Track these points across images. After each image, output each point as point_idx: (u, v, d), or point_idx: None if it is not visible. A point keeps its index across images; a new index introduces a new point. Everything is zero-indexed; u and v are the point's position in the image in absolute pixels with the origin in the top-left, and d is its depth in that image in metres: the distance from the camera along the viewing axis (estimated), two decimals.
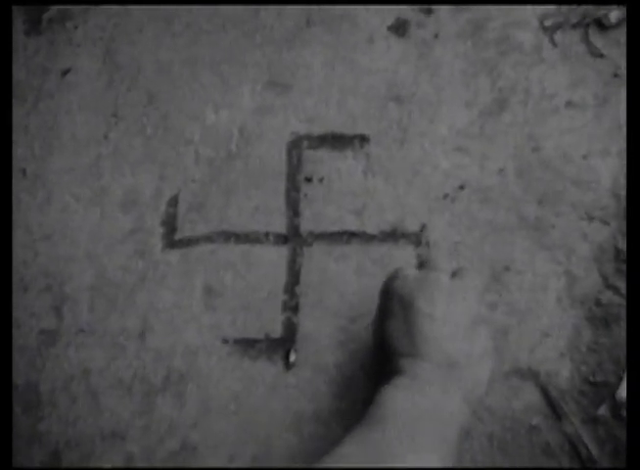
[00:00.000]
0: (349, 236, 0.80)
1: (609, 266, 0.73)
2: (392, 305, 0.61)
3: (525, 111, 0.79)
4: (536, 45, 0.80)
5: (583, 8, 0.80)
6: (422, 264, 0.66)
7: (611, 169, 0.75)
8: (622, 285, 0.72)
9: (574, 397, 0.70)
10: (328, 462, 0.48)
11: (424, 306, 0.58)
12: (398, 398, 0.54)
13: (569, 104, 0.78)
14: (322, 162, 0.83)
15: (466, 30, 0.82)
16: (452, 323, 0.58)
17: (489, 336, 0.62)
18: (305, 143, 0.84)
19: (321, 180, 0.82)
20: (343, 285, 0.79)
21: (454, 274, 0.64)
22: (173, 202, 0.86)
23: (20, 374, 0.85)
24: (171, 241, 0.85)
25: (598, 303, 0.72)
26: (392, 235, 0.79)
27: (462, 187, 0.78)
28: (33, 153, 0.92)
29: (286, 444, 0.76)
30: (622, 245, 0.72)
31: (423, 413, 0.53)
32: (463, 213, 0.78)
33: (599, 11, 0.79)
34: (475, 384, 0.58)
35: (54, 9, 0.97)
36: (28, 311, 0.86)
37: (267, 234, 0.82)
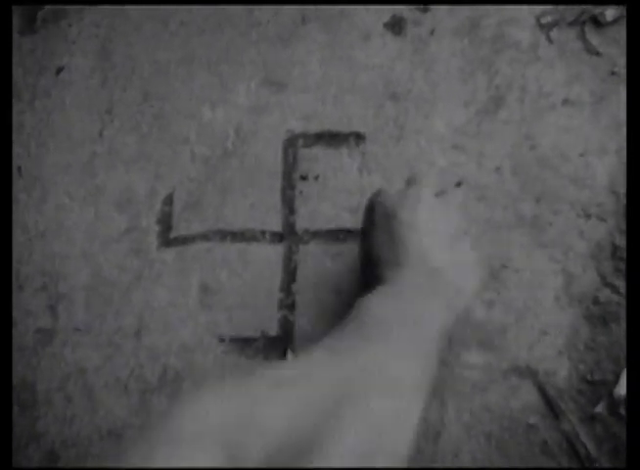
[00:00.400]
0: (345, 234, 0.79)
1: (606, 264, 0.72)
2: (376, 218, 0.61)
3: (522, 108, 0.77)
4: (533, 43, 0.79)
5: (579, 6, 0.78)
6: (408, 182, 0.65)
7: (608, 167, 0.74)
8: (620, 283, 0.71)
9: (572, 395, 0.69)
10: (302, 363, 0.46)
11: (406, 217, 0.58)
12: (376, 301, 0.53)
13: (565, 101, 0.77)
14: (317, 159, 0.82)
15: (462, 28, 0.81)
16: (434, 233, 0.58)
17: (473, 247, 0.62)
18: (301, 141, 0.83)
19: (317, 178, 0.81)
20: (340, 283, 0.77)
21: (438, 194, 0.64)
22: (169, 200, 0.85)
23: (16, 373, 0.83)
24: (167, 239, 0.84)
25: (596, 301, 0.71)
26: None
27: (459, 184, 0.77)
28: (29, 151, 0.90)
29: None
30: (620, 242, 0.71)
31: (399, 315, 0.52)
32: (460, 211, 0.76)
33: (595, 8, 0.78)
34: (457, 291, 0.57)
35: (48, 8, 0.95)
36: (24, 310, 0.85)
37: (263, 232, 0.81)
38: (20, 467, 0.80)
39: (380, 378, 0.44)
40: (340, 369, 0.44)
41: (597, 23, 0.77)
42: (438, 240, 0.58)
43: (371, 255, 0.60)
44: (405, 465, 0.42)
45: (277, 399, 0.40)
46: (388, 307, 0.52)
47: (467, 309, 0.61)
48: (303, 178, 0.81)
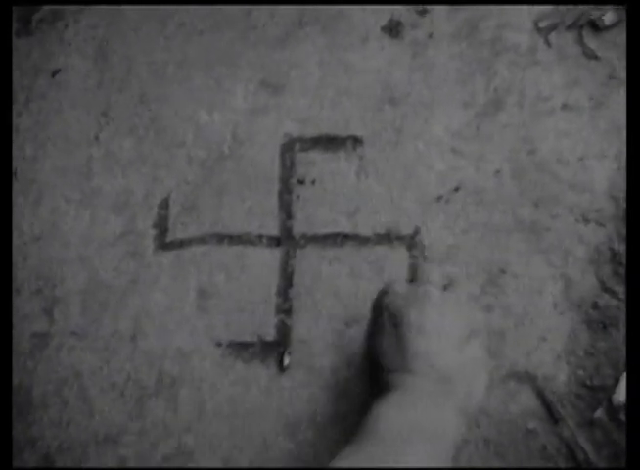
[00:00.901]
0: (343, 238, 0.78)
1: (605, 269, 0.71)
2: (383, 321, 0.60)
3: (521, 112, 0.77)
4: (531, 46, 0.78)
5: (578, 10, 0.78)
6: (413, 277, 0.64)
7: (606, 172, 0.73)
8: (619, 288, 0.70)
9: (571, 400, 0.69)
10: None
11: (414, 321, 0.56)
12: (389, 414, 0.52)
13: (564, 106, 0.76)
14: (315, 163, 0.81)
15: (460, 31, 0.80)
16: (443, 337, 0.56)
17: (483, 347, 0.60)
18: (298, 144, 0.82)
19: (314, 182, 0.80)
20: (337, 288, 0.76)
21: (446, 286, 0.62)
22: (165, 203, 0.83)
23: (11, 377, 0.82)
24: (163, 243, 0.82)
25: (595, 306, 0.70)
26: (386, 237, 0.77)
27: (457, 189, 0.76)
28: (24, 154, 0.89)
29: (281, 447, 0.74)
30: (619, 247, 0.71)
31: (414, 428, 0.51)
32: (458, 216, 0.76)
33: (593, 12, 0.77)
34: (468, 396, 0.56)
35: (45, 9, 0.94)
36: (20, 314, 0.84)
37: (260, 236, 0.80)
38: (22, 468, 0.79)
39: None
40: None
41: (595, 27, 0.77)
42: (448, 344, 0.56)
43: (379, 359, 0.59)
44: None
45: None
46: (403, 422, 0.51)
47: (478, 408, 0.59)
48: (301, 182, 0.80)
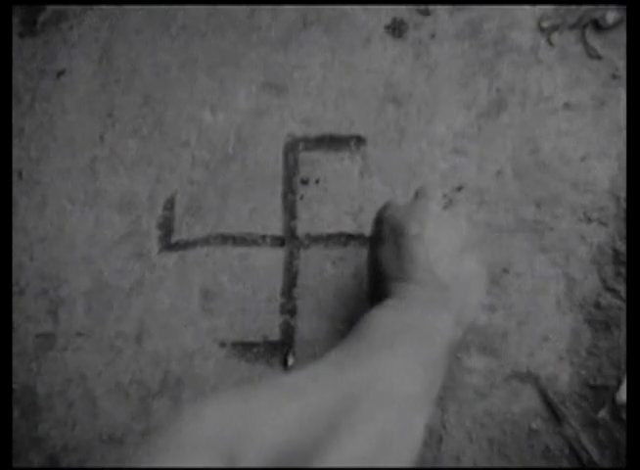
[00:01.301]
0: (347, 238, 0.78)
1: (608, 269, 0.71)
2: (384, 232, 0.60)
3: (523, 112, 0.76)
4: (534, 46, 0.78)
5: (581, 9, 0.77)
6: (416, 195, 0.64)
7: (609, 171, 0.73)
8: (622, 288, 0.70)
9: (574, 400, 0.69)
10: (306, 374, 0.45)
11: (414, 231, 0.57)
12: (383, 315, 0.53)
13: (566, 105, 0.76)
14: (318, 163, 0.81)
15: (463, 31, 0.80)
16: (441, 247, 0.57)
17: (479, 261, 0.61)
18: (302, 145, 0.82)
19: (317, 182, 0.80)
20: (341, 288, 0.76)
21: (446, 206, 0.65)
22: (170, 204, 0.83)
23: (16, 378, 0.82)
24: (168, 244, 0.82)
25: (597, 305, 0.70)
26: None
27: (460, 188, 0.76)
28: (29, 155, 0.89)
29: None
30: (621, 247, 0.71)
31: (406, 326, 0.52)
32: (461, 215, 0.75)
33: (596, 12, 0.77)
34: (464, 305, 0.57)
35: (49, 10, 0.94)
36: (24, 315, 0.84)
37: (264, 237, 0.80)
38: (22, 468, 0.80)
39: (385, 391, 0.44)
40: (344, 382, 0.43)
41: (598, 26, 0.76)
42: (446, 254, 0.57)
43: (378, 268, 0.59)
44: None
45: (278, 411, 0.39)
46: (394, 321, 0.52)
47: (473, 322, 0.60)
48: (304, 182, 0.80)
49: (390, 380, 0.45)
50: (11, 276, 0.84)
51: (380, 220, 0.62)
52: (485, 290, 0.61)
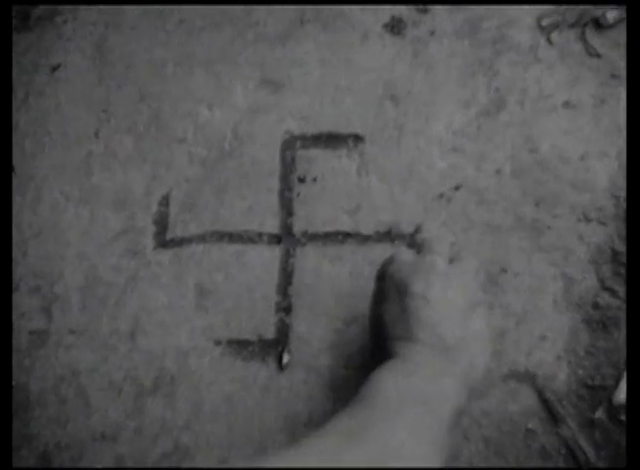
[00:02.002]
0: (344, 236, 0.78)
1: (606, 268, 0.71)
2: (388, 289, 0.59)
3: (523, 111, 0.76)
4: (533, 45, 0.78)
5: (581, 7, 0.77)
6: (419, 249, 0.64)
7: (608, 170, 0.73)
8: (620, 288, 0.70)
9: (572, 400, 0.68)
10: (315, 436, 0.45)
11: (419, 290, 0.56)
12: (388, 379, 0.52)
13: (566, 104, 0.76)
14: (316, 161, 0.80)
15: (462, 29, 0.80)
16: (447, 307, 0.57)
17: (486, 319, 0.60)
18: (299, 142, 0.81)
19: (315, 180, 0.80)
20: (338, 286, 0.76)
21: (451, 259, 0.62)
22: (165, 201, 0.83)
23: None
24: (163, 240, 0.82)
25: (595, 305, 0.70)
26: (387, 236, 0.77)
27: (458, 187, 0.76)
28: (23, 150, 0.88)
29: (279, 446, 0.73)
30: (620, 246, 0.70)
31: (411, 394, 0.51)
32: (459, 214, 0.75)
33: (596, 11, 0.77)
34: (471, 367, 0.56)
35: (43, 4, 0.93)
36: (18, 311, 0.83)
37: (260, 234, 0.79)
38: (22, 467, 0.79)
39: (390, 459, 0.44)
40: (357, 459, 0.43)
41: (598, 25, 0.76)
42: (452, 314, 0.56)
43: (382, 326, 0.59)
44: None
45: None
46: (402, 387, 0.51)
47: (481, 383, 0.58)
48: (301, 180, 0.80)
49: (401, 455, 0.45)
50: (11, 275, 0.83)
51: (383, 276, 0.62)
52: (490, 351, 0.59)
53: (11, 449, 0.76)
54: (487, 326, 0.59)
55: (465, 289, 0.59)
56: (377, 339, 0.60)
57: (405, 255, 0.62)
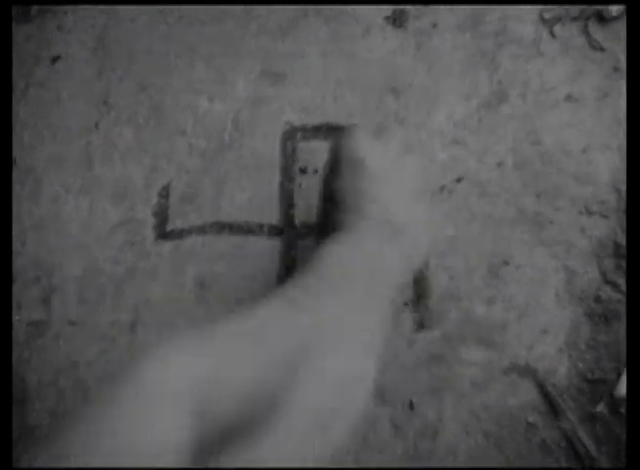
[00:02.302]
0: None
1: (608, 262, 0.70)
2: (342, 166, 0.60)
3: (525, 104, 0.76)
4: (536, 37, 0.77)
5: (581, 6, 0.77)
6: (378, 132, 0.64)
7: (610, 164, 0.72)
8: (622, 281, 0.69)
9: (572, 394, 0.68)
10: (263, 303, 0.45)
11: (374, 167, 0.58)
12: (334, 250, 0.53)
13: (568, 97, 0.75)
14: (317, 153, 0.80)
15: (465, 21, 0.79)
16: (398, 187, 0.58)
17: (431, 208, 0.65)
18: (300, 134, 0.81)
19: (316, 171, 0.79)
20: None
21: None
22: (165, 192, 0.82)
23: None
24: (163, 232, 0.81)
25: (597, 299, 0.69)
26: None
27: (459, 180, 0.75)
28: (22, 142, 0.88)
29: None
30: (622, 240, 0.70)
31: (360, 265, 0.52)
32: (461, 206, 0.75)
33: (600, 5, 0.76)
34: (414, 246, 0.58)
35: None
36: (16, 302, 0.83)
37: (261, 225, 0.79)
38: (23, 467, 0.78)
39: (336, 335, 0.44)
40: (302, 322, 0.43)
41: (601, 18, 0.76)
42: (402, 194, 0.58)
43: (334, 201, 0.59)
44: (360, 420, 0.43)
45: (241, 354, 0.39)
46: (349, 258, 0.52)
47: (423, 269, 0.63)
48: (302, 171, 0.79)
49: (345, 320, 0.45)
50: (11, 267, 0.83)
51: (339, 150, 0.61)
52: (431, 236, 0.63)
53: (11, 449, 0.76)
54: (432, 213, 0.65)
55: (415, 173, 0.62)
56: (327, 213, 0.61)
57: (362, 134, 0.62)
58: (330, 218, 0.59)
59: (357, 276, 0.50)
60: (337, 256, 0.52)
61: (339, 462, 0.70)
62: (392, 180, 0.58)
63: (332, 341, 0.43)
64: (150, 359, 0.37)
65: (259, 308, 0.44)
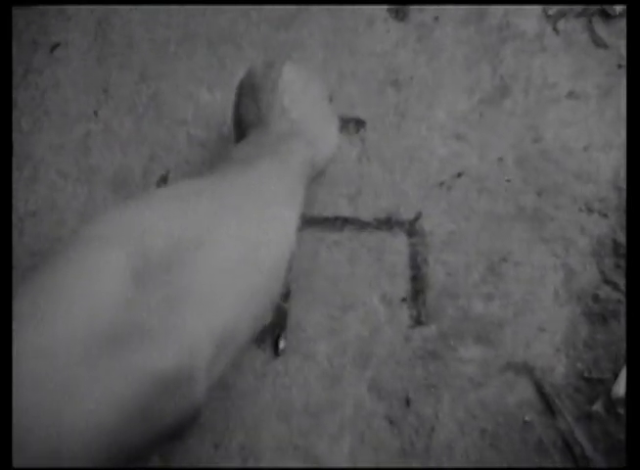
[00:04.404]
0: (342, 222, 0.75)
1: (607, 261, 0.68)
2: (244, 88, 0.64)
3: (527, 99, 0.74)
4: (539, 33, 0.75)
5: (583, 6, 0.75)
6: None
7: (612, 162, 0.70)
8: (621, 280, 0.67)
9: (569, 393, 0.66)
10: (170, 190, 0.47)
11: (270, 84, 0.61)
12: (239, 147, 0.56)
13: (570, 94, 0.73)
14: None
15: (468, 16, 0.77)
16: (295, 94, 0.61)
17: (332, 109, 0.66)
18: None
19: None
20: (336, 273, 0.73)
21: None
22: (163, 182, 0.80)
23: None
24: None
25: (595, 298, 0.68)
26: (387, 222, 0.74)
27: (459, 175, 0.73)
28: (21, 129, 0.85)
29: (274, 433, 0.71)
30: (621, 239, 0.68)
31: (263, 151, 0.54)
32: (460, 202, 0.73)
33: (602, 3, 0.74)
34: (316, 136, 0.61)
35: None
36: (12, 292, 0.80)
37: None
38: (23, 468, 0.76)
39: (252, 193, 0.47)
40: (219, 190, 0.46)
41: (605, 14, 0.74)
42: (299, 100, 0.61)
43: (240, 122, 0.63)
44: (285, 265, 0.47)
45: (169, 208, 0.41)
46: (251, 149, 0.55)
47: (329, 159, 0.64)
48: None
49: (258, 188, 0.48)
50: (11, 260, 0.81)
51: (242, 84, 0.65)
52: (337, 137, 0.66)
53: (11, 449, 0.74)
54: (333, 114, 0.66)
55: (312, 83, 0.65)
56: (237, 135, 0.65)
57: (258, 64, 0.65)
58: (241, 138, 0.62)
59: (263, 157, 0.52)
60: (241, 150, 0.55)
61: (334, 455, 0.68)
62: (289, 90, 0.61)
63: (252, 195, 0.46)
64: (95, 216, 0.40)
65: (183, 183, 0.47)
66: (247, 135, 0.60)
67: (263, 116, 0.59)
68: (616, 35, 0.73)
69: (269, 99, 0.60)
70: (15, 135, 0.85)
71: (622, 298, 0.67)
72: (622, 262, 0.68)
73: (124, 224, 0.38)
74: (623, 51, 0.73)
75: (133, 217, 0.39)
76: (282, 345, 0.73)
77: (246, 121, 0.61)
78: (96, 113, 0.85)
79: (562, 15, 0.75)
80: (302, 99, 0.62)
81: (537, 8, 0.76)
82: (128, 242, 0.36)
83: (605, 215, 0.69)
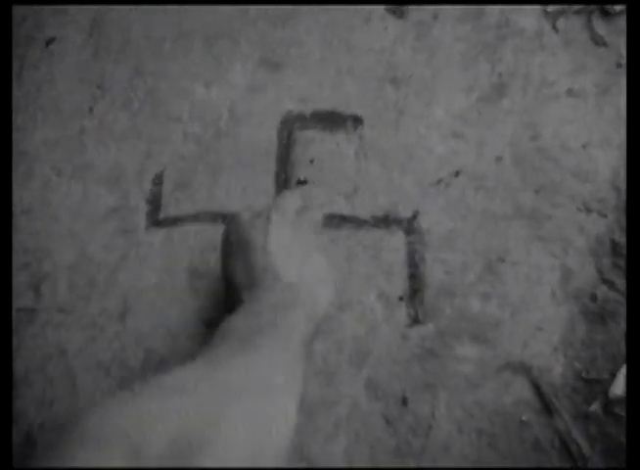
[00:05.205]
0: (339, 220, 0.74)
1: (605, 260, 0.68)
2: (231, 246, 0.62)
3: (525, 97, 0.73)
4: (538, 31, 0.75)
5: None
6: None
7: (610, 161, 0.70)
8: (619, 280, 0.67)
9: (567, 392, 0.66)
10: (184, 373, 0.46)
11: (258, 242, 0.59)
12: (237, 321, 0.54)
13: (569, 92, 0.73)
14: (313, 142, 0.77)
15: (466, 13, 0.77)
16: (285, 253, 0.59)
17: (324, 263, 0.63)
18: (297, 123, 0.78)
19: (312, 161, 0.77)
20: (333, 271, 0.73)
21: (297, 212, 0.64)
22: (158, 180, 0.80)
23: None
24: (155, 220, 0.79)
25: (593, 297, 0.67)
26: (384, 220, 0.73)
27: (457, 173, 0.73)
28: (15, 124, 0.85)
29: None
30: (619, 238, 0.68)
31: (260, 328, 0.52)
32: (457, 200, 0.72)
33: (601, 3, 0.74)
34: (313, 302, 0.58)
35: None
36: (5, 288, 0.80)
37: None
38: (23, 468, 0.76)
39: (253, 381, 0.46)
40: (220, 378, 0.45)
41: (605, 12, 0.73)
42: (290, 258, 0.59)
43: (231, 280, 0.61)
44: (288, 456, 0.44)
45: (168, 403, 0.41)
46: (249, 325, 0.52)
47: (326, 318, 0.60)
48: (299, 161, 0.77)
49: (259, 374, 0.47)
50: (11, 258, 0.80)
51: (227, 237, 0.64)
52: (334, 288, 0.62)
53: (11, 449, 0.73)
54: (327, 268, 0.63)
55: (302, 236, 0.62)
56: (229, 292, 0.62)
57: (245, 213, 0.64)
58: (233, 299, 0.60)
59: (258, 337, 0.51)
60: (236, 325, 0.53)
61: (329, 455, 0.68)
62: (280, 248, 0.59)
63: (249, 387, 0.44)
64: (87, 412, 0.39)
65: (180, 370, 0.45)
66: (239, 299, 0.58)
67: (255, 278, 0.58)
68: (615, 34, 0.73)
69: (260, 262, 0.58)
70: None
71: (620, 297, 0.67)
72: (621, 262, 0.67)
73: (121, 424, 0.38)
74: (623, 49, 0.72)
75: (130, 415, 0.39)
76: None
77: (236, 282, 0.60)
78: (91, 109, 0.84)
79: (561, 13, 0.75)
80: (295, 255, 0.60)
81: (536, 6, 0.76)
82: (124, 443, 0.36)
83: (603, 215, 0.69)
